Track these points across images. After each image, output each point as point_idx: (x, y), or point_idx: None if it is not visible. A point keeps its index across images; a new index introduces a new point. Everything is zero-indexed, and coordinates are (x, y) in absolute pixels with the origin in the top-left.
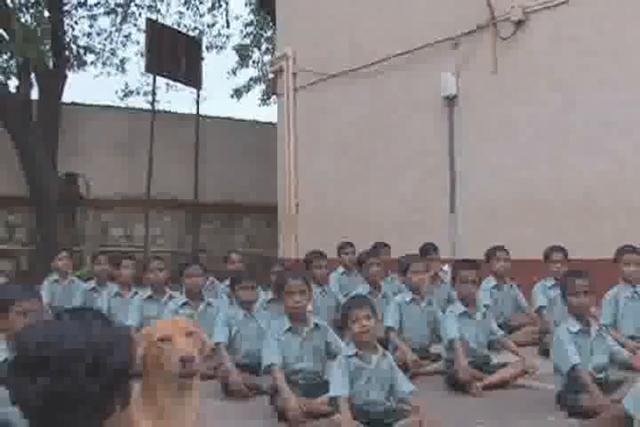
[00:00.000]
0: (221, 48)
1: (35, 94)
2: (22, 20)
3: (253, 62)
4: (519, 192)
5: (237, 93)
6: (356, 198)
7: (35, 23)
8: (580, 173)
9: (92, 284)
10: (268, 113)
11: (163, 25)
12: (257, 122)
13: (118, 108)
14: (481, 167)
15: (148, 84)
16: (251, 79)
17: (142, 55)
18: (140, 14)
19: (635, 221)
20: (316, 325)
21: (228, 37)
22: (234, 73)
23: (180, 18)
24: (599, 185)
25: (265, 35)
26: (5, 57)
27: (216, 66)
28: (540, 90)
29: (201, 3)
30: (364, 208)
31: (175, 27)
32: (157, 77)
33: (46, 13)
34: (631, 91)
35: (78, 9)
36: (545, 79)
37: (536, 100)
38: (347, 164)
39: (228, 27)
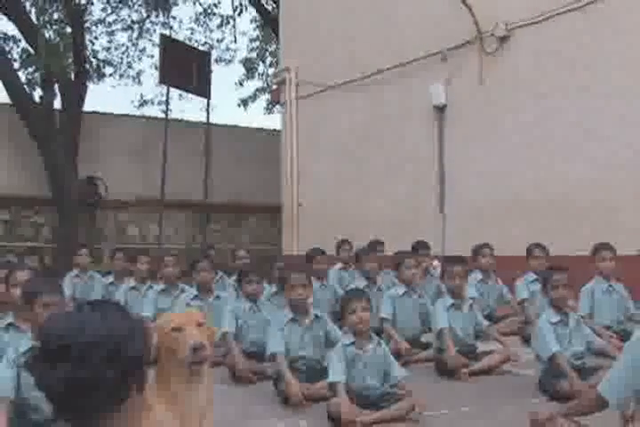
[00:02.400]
0: (229, 61)
1: (57, 104)
2: (47, 35)
3: (259, 74)
4: (503, 194)
5: (244, 103)
6: (353, 199)
7: (58, 38)
8: (560, 176)
9: (111, 278)
10: (272, 121)
11: (175, 40)
12: (262, 129)
13: (134, 116)
14: (468, 171)
15: (162, 95)
16: (256, 90)
17: (156, 68)
18: (154, 30)
19: (609, 220)
20: (317, 316)
21: (235, 51)
22: (241, 84)
23: (192, 34)
24: (577, 187)
25: (269, 49)
26: (31, 69)
27: (224, 78)
28: (523, 100)
29: (210, 20)
30: (361, 208)
31: (187, 42)
32: (170, 88)
33: (68, 30)
34: (607, 100)
35: (98, 25)
36: (527, 90)
37: (519, 110)
38: (345, 167)
39: (235, 42)
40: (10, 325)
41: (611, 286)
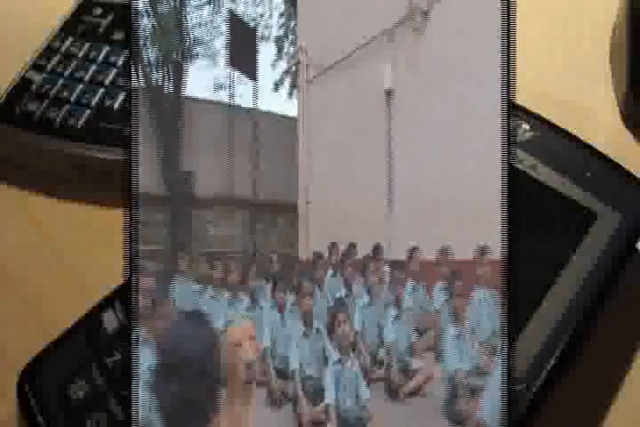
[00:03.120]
0: (268, 39)
1: (165, 89)
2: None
3: (285, 54)
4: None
5: (276, 86)
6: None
7: (166, 14)
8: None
9: (198, 286)
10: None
11: (239, 16)
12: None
13: (211, 102)
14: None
15: (225, 78)
16: (283, 72)
17: (226, 48)
18: (223, 5)
19: None
20: (317, 330)
21: (271, 29)
22: (273, 66)
23: (243, 7)
24: None
25: (290, 25)
26: (149, 50)
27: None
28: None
29: None
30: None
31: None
32: (233, 71)
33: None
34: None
35: None
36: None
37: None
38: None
39: (270, 17)
40: None
41: (485, 294)
